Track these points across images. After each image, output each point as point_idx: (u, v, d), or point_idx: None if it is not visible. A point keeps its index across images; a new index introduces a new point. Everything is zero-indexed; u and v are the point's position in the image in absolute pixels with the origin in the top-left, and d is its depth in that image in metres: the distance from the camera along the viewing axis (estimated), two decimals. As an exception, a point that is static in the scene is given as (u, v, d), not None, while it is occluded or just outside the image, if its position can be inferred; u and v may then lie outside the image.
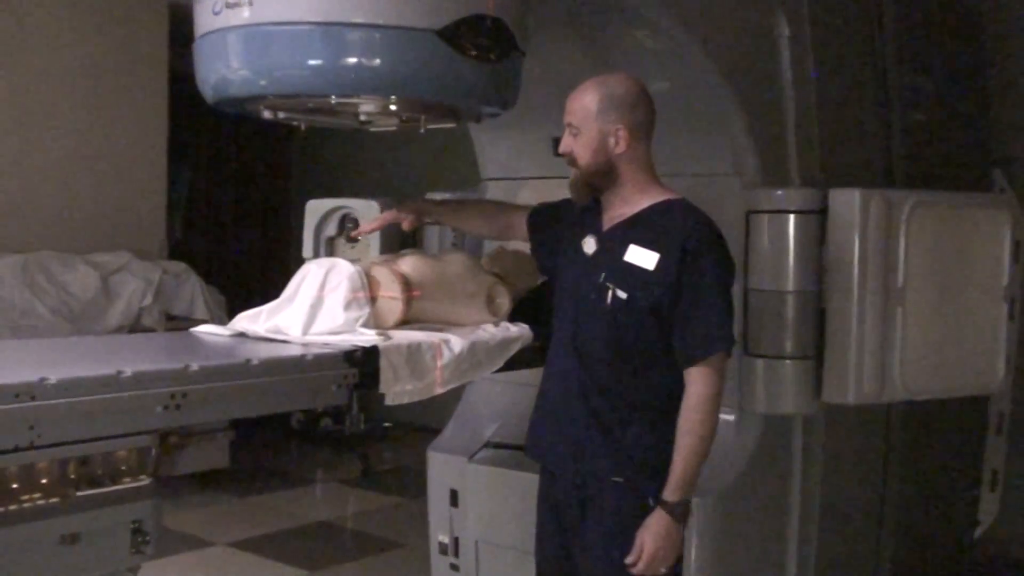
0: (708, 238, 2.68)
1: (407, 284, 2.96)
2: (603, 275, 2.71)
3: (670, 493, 2.63)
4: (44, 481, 2.15)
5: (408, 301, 2.93)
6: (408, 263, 3.06)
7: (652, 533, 2.62)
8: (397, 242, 4.18)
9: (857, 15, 3.88)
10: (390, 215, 3.24)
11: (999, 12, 5.00)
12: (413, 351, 2.75)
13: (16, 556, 2.15)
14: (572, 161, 2.75)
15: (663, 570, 2.64)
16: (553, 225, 3.01)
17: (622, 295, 2.67)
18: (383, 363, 2.65)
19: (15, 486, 2.11)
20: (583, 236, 2.82)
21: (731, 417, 3.48)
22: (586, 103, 2.70)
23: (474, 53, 2.77)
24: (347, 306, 2.85)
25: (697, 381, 2.65)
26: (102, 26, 6.77)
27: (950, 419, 4.27)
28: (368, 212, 4.24)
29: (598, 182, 2.75)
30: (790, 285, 3.36)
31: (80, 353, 2.75)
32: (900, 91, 3.99)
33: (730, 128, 3.42)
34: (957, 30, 4.52)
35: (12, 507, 2.10)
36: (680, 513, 2.64)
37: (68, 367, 2.20)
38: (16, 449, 2.04)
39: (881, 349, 3.36)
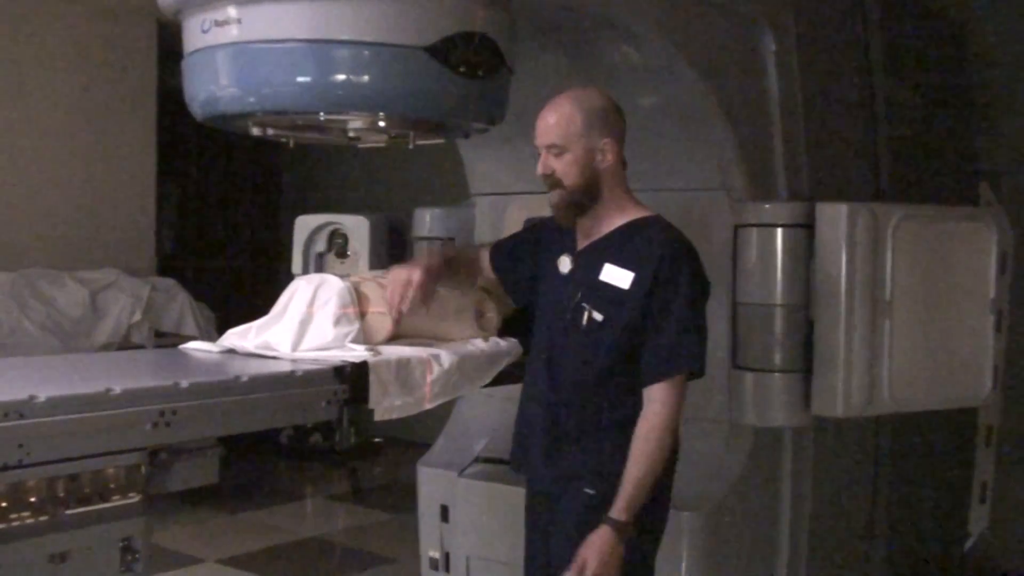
0: (681, 255, 2.64)
1: (396, 300, 2.96)
2: (579, 295, 2.68)
3: (618, 512, 2.56)
4: (33, 499, 2.14)
5: (397, 316, 2.93)
6: (397, 279, 3.06)
7: (596, 551, 2.54)
8: (386, 258, 4.20)
9: (843, 30, 3.91)
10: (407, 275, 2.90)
11: (985, 26, 5.03)
12: (402, 366, 2.76)
13: (5, 575, 2.14)
14: (555, 183, 2.68)
15: None
16: (523, 260, 2.95)
17: (598, 317, 2.64)
18: (372, 379, 2.66)
19: (4, 505, 2.10)
20: (559, 255, 2.78)
21: (721, 431, 3.49)
22: (570, 121, 2.63)
23: (462, 70, 2.78)
24: (336, 322, 2.86)
25: (656, 400, 2.60)
26: (91, 43, 6.78)
27: (939, 431, 4.28)
28: (357, 228, 4.26)
29: (584, 201, 2.69)
30: (778, 299, 3.38)
31: (69, 371, 2.74)
32: (887, 105, 4.01)
33: (717, 143, 3.43)
34: (943, 44, 4.55)
35: (1, 526, 2.09)
36: (626, 533, 2.56)
37: (57, 385, 2.20)
38: (5, 467, 2.03)
39: (869, 362, 3.37)
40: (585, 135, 2.63)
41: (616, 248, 2.67)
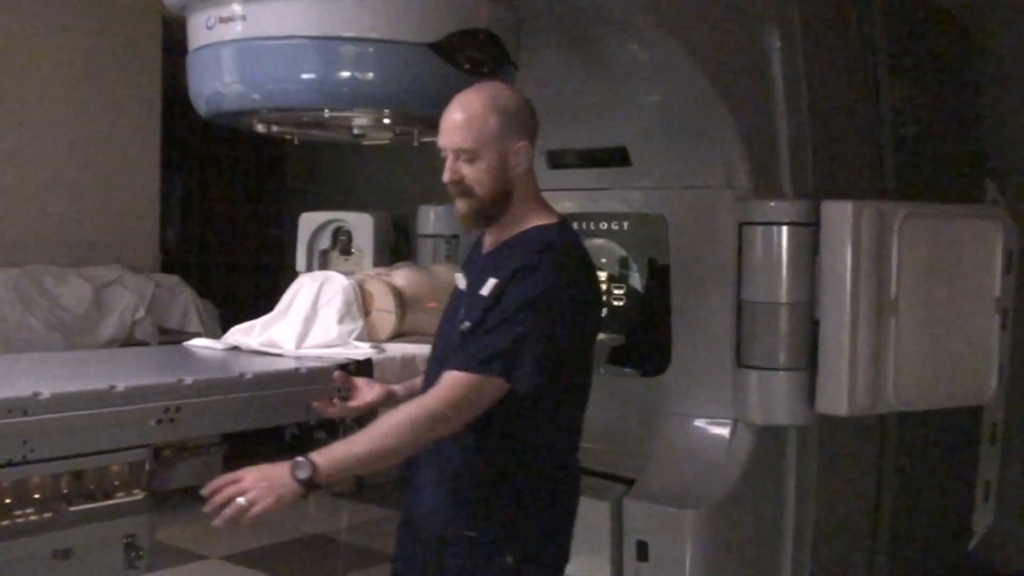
0: (543, 264, 2.31)
1: (401, 297, 2.97)
2: (462, 311, 2.41)
3: (318, 454, 2.20)
4: (37, 496, 2.14)
5: (402, 314, 2.93)
6: (402, 276, 3.07)
7: (263, 467, 2.22)
8: (390, 256, 4.20)
9: (849, 27, 3.90)
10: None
11: (990, 24, 5.02)
12: (407, 364, 2.76)
13: (9, 572, 2.14)
14: (465, 191, 2.39)
15: (242, 500, 2.13)
16: None
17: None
18: (377, 376, 2.65)
19: (8, 501, 2.10)
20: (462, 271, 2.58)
21: (725, 430, 3.49)
22: (484, 123, 2.34)
23: (467, 66, 2.77)
24: (341, 319, 2.86)
25: (438, 388, 2.26)
26: (95, 39, 6.78)
27: (944, 429, 4.27)
28: (361, 225, 4.26)
29: (495, 210, 2.41)
30: (783, 297, 3.37)
31: (73, 367, 2.74)
32: (892, 102, 4.00)
33: (722, 140, 3.43)
34: (949, 41, 4.54)
35: (5, 522, 2.09)
36: (302, 477, 2.17)
37: (61, 382, 2.21)
38: (9, 464, 2.04)
39: (874, 360, 3.35)
40: (500, 139, 2.36)
41: (498, 260, 2.40)
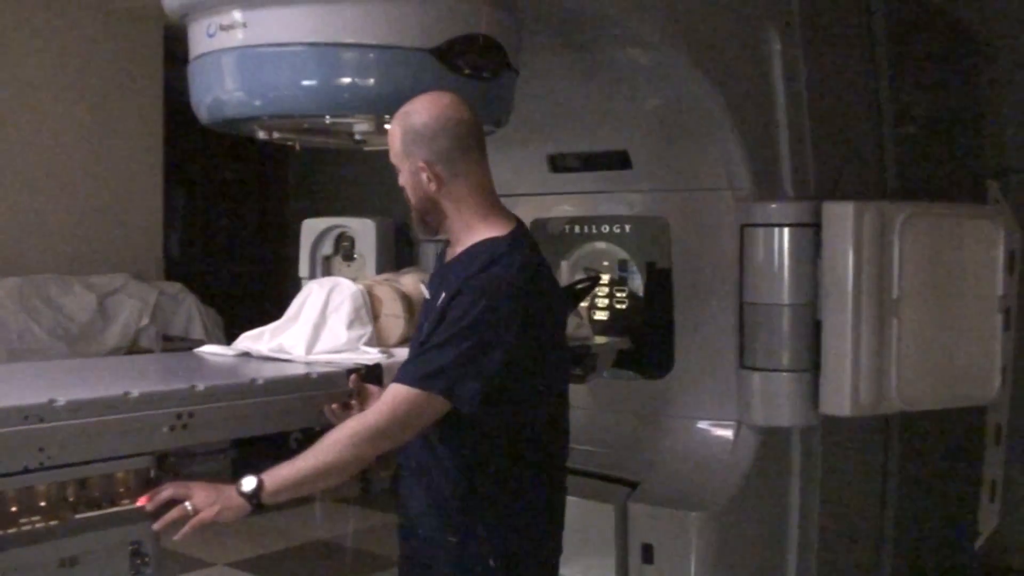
0: (486, 280, 2.29)
1: (409, 302, 2.98)
2: (425, 325, 2.43)
3: (266, 473, 2.23)
4: (43, 503, 2.15)
5: (411, 319, 2.94)
6: (410, 281, 3.08)
7: (221, 487, 2.24)
8: (393, 261, 4.21)
9: (849, 28, 3.91)
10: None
11: (991, 24, 5.03)
12: (415, 368, 2.75)
13: (16, 580, 2.15)
14: (407, 197, 2.47)
15: (188, 504, 2.19)
16: None
17: None
18: (387, 381, 2.66)
19: (14, 509, 2.10)
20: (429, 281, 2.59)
21: (729, 432, 3.50)
22: (393, 138, 2.41)
23: (467, 72, 2.78)
24: (350, 325, 2.87)
25: (380, 403, 2.30)
26: (97, 48, 6.80)
27: (948, 430, 4.28)
28: (364, 231, 4.27)
29: (430, 219, 2.44)
30: (785, 298, 3.38)
31: (85, 374, 2.75)
32: (893, 103, 4.01)
33: (723, 142, 3.44)
34: (950, 41, 4.55)
35: (11, 530, 2.10)
36: (246, 491, 2.21)
37: (75, 389, 2.21)
38: (26, 471, 2.05)
39: (877, 360, 3.37)
40: (406, 157, 2.39)
41: (451, 275, 2.40)
